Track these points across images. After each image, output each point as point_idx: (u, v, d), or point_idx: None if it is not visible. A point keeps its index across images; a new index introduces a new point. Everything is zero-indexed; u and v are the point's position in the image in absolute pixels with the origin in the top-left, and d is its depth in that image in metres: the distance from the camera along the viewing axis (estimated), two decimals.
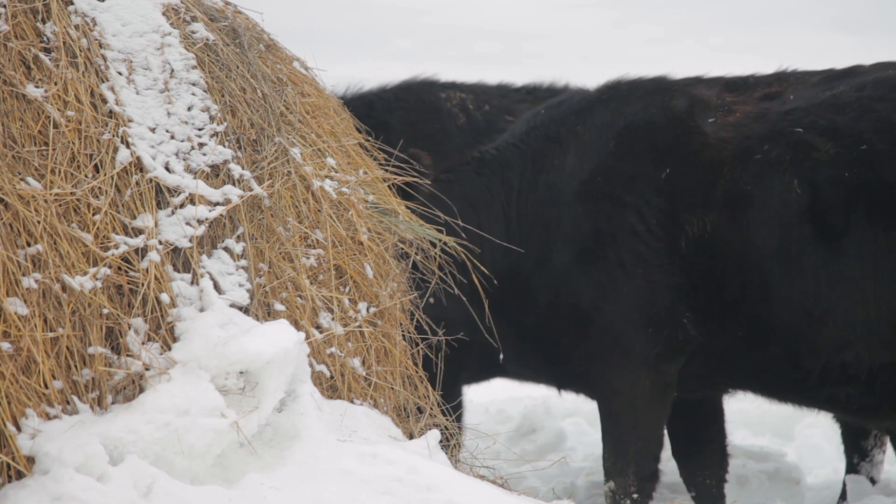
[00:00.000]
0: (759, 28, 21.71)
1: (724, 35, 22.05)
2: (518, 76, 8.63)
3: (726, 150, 6.70)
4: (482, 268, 6.55)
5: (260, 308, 5.58)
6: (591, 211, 6.76)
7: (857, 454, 8.18)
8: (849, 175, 6.57)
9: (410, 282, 6.34)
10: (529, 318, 6.91)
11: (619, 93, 7.04)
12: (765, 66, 7.16)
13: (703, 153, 6.73)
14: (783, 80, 6.96)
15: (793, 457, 9.29)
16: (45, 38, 5.54)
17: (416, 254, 6.31)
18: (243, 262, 5.59)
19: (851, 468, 8.18)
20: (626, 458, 6.78)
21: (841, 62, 6.97)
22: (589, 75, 7.38)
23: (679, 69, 7.22)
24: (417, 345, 6.20)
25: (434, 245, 6.37)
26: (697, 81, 7.04)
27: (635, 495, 6.78)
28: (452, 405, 6.56)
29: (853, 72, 6.87)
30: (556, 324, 6.80)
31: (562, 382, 7.28)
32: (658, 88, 7.01)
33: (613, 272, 6.69)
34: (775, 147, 6.66)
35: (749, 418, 10.79)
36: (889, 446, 8.21)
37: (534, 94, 8.36)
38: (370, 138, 6.67)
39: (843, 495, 8.06)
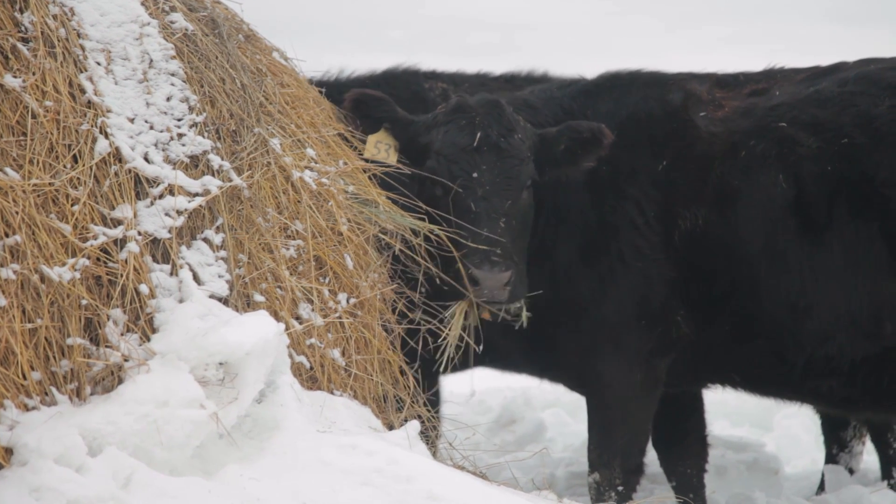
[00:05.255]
0: (756, 20, 21.73)
1: (722, 27, 22.07)
2: (513, 67, 8.61)
3: (716, 145, 6.73)
4: (465, 262, 6.52)
5: (239, 299, 5.57)
6: (597, 201, 6.76)
7: (837, 445, 8.22)
8: (831, 169, 6.61)
9: (391, 272, 6.34)
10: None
11: (620, 82, 7.05)
12: (761, 57, 7.21)
13: (695, 147, 6.75)
14: (771, 77, 7.00)
15: (771, 447, 9.33)
16: (22, 28, 5.52)
17: (398, 244, 6.31)
18: (223, 253, 5.58)
19: (830, 459, 8.22)
20: (612, 450, 6.79)
21: (837, 54, 7.03)
22: (583, 67, 7.37)
23: (676, 61, 7.23)
24: (399, 334, 6.21)
25: (416, 234, 6.36)
26: (691, 77, 7.06)
27: (620, 488, 6.80)
28: (430, 395, 6.56)
29: (837, 68, 6.92)
30: (552, 314, 6.78)
31: (546, 372, 7.27)
32: (655, 81, 7.03)
33: (614, 265, 6.70)
34: (761, 142, 6.69)
35: (728, 409, 10.82)
36: (867, 437, 8.25)
37: (512, 82, 8.35)
38: (350, 128, 6.67)
39: (822, 485, 8.10)
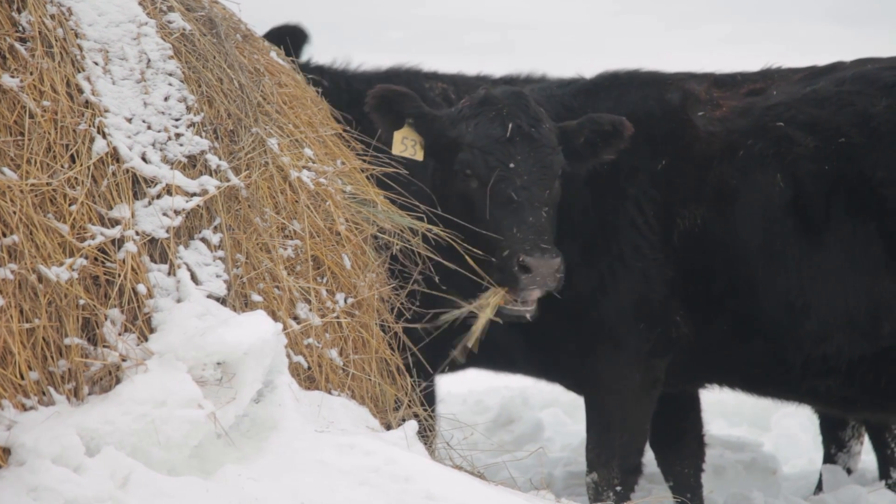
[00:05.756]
0: (755, 19, 21.79)
1: (721, 26, 22.12)
2: (513, 68, 8.64)
3: (714, 145, 6.73)
4: (515, 249, 6.46)
5: (237, 299, 5.57)
6: (598, 200, 6.76)
7: (835, 445, 8.22)
8: (828, 168, 6.62)
9: (389, 271, 6.33)
10: None
11: (619, 81, 7.05)
12: (760, 57, 7.23)
13: (693, 147, 6.76)
14: (768, 77, 7.01)
15: (769, 447, 9.34)
16: (20, 28, 5.52)
17: (398, 244, 6.30)
18: (220, 253, 5.58)
19: (829, 458, 8.22)
20: (611, 450, 6.79)
21: (836, 54, 7.04)
22: (582, 67, 7.37)
23: (675, 61, 7.23)
24: (396, 334, 6.20)
25: (415, 233, 6.36)
26: (689, 76, 7.07)
27: (618, 487, 6.80)
28: (425, 395, 6.55)
29: (834, 68, 6.93)
30: (552, 312, 6.77)
31: (544, 372, 7.27)
32: (653, 80, 7.04)
33: (614, 265, 6.69)
34: (759, 142, 6.70)
35: (726, 409, 10.83)
36: (866, 437, 8.26)
37: (511, 84, 8.36)
38: (348, 128, 6.66)
39: (820, 485, 8.11)
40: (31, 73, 5.44)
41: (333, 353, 5.84)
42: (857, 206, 6.58)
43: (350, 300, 5.96)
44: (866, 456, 8.42)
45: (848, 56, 7.03)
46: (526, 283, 6.34)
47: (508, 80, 8.31)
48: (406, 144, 6.64)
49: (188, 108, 5.73)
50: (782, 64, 7.13)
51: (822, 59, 7.06)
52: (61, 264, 5.22)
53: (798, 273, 6.61)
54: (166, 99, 5.70)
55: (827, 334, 6.61)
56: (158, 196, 5.51)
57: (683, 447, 7.37)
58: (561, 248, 6.64)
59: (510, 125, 6.56)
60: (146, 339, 5.27)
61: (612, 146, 6.68)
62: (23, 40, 5.51)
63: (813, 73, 6.95)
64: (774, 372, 6.76)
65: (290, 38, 7.86)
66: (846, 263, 6.57)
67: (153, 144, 5.59)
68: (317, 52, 8.22)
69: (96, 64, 5.63)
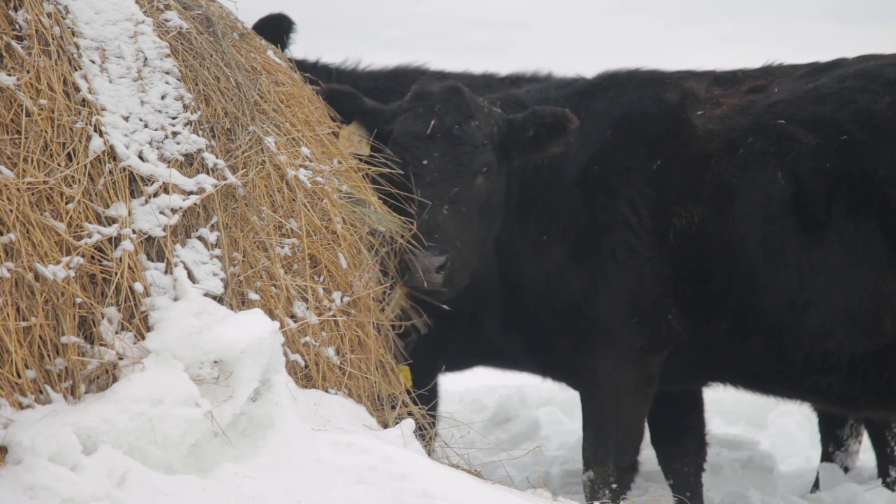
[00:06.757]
0: (755, 18, 21.83)
1: (721, 25, 22.17)
2: (511, 66, 8.67)
3: (713, 143, 6.73)
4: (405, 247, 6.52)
5: (234, 297, 5.57)
6: (588, 200, 6.77)
7: (833, 443, 8.23)
8: (830, 166, 6.62)
9: (383, 271, 6.34)
10: (518, 305, 6.90)
11: (617, 81, 7.06)
12: (760, 55, 7.22)
13: (691, 145, 6.76)
14: (769, 74, 7.01)
15: (766, 445, 9.35)
16: (17, 26, 5.52)
17: (382, 245, 6.31)
18: (217, 252, 5.58)
19: (827, 457, 8.23)
20: (606, 448, 6.80)
21: (836, 52, 7.04)
22: (582, 65, 7.39)
23: (675, 59, 7.24)
24: (389, 333, 6.21)
25: (402, 236, 6.37)
26: (689, 75, 7.07)
27: (614, 485, 6.80)
28: (428, 395, 6.56)
29: (836, 65, 6.92)
30: (546, 312, 6.79)
31: (546, 371, 7.29)
32: (652, 80, 7.04)
33: (606, 264, 6.71)
34: (759, 139, 6.70)
35: (723, 407, 10.84)
36: (864, 436, 8.26)
37: (517, 83, 8.37)
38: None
39: (816, 483, 8.11)
40: (28, 72, 5.44)
41: (330, 351, 5.84)
42: (859, 204, 6.58)
43: (346, 299, 5.96)
44: (865, 454, 8.42)
45: (848, 54, 7.03)
46: (408, 280, 6.42)
47: (514, 80, 8.34)
48: (352, 140, 6.72)
49: (185, 107, 5.73)
50: (783, 62, 7.13)
51: (823, 57, 7.06)
52: (58, 262, 5.22)
53: (799, 270, 6.61)
54: (163, 97, 5.70)
55: (828, 331, 6.62)
56: (155, 194, 5.51)
57: (684, 446, 7.38)
58: (554, 248, 6.67)
59: (433, 122, 6.62)
60: (143, 338, 5.27)
61: (556, 139, 6.71)
62: (19, 38, 5.51)
63: (815, 69, 6.95)
64: (775, 369, 6.77)
65: (275, 28, 7.93)
66: (847, 260, 6.58)
67: (150, 143, 5.59)
68: (314, 51, 8.26)
69: (93, 62, 5.62)
